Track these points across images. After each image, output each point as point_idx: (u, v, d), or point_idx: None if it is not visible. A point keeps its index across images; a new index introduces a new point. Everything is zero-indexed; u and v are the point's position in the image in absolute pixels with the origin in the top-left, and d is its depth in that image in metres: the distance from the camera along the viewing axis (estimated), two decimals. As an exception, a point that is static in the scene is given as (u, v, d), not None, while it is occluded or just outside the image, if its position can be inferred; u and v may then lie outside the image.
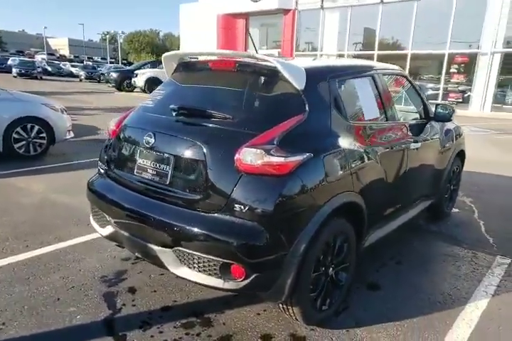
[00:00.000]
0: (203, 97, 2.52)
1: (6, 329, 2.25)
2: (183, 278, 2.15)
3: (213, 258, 1.99)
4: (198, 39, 26.31)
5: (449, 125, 3.85)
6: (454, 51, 16.96)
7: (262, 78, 2.36)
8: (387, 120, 2.87)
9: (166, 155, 2.23)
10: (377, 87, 2.82)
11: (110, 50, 73.98)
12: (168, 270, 2.19)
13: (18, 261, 3.03)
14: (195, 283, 2.11)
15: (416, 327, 2.41)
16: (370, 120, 2.69)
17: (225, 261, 1.97)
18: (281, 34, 23.08)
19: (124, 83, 22.36)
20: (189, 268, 2.09)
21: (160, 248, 2.16)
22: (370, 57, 19.80)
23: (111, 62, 46.28)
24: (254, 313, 2.48)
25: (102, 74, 27.29)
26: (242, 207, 1.95)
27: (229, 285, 2.00)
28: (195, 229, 2.02)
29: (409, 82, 3.45)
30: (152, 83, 20.76)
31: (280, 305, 2.27)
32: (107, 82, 24.39)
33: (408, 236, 3.68)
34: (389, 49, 19.53)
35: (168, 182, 2.22)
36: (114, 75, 23.05)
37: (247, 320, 2.41)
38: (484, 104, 15.91)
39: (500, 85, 16.75)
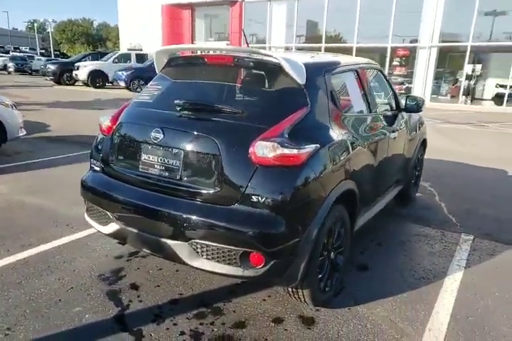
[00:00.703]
0: (206, 92, 2.56)
1: (13, 334, 2.18)
2: (200, 270, 2.21)
3: (233, 248, 2.07)
4: (140, 30, 25.48)
5: (414, 115, 4.16)
6: (396, 45, 17.90)
7: (264, 73, 2.44)
8: (370, 111, 3.07)
9: (175, 150, 2.25)
10: (361, 81, 3.00)
11: (39, 40, 69.02)
12: (183, 263, 2.23)
13: (2, 265, 2.89)
14: (213, 273, 2.17)
15: (407, 300, 2.65)
16: (358, 112, 2.88)
17: (245, 250, 2.05)
18: (229, 26, 22.98)
19: (63, 76, 21.12)
20: (207, 259, 2.15)
21: (175, 241, 2.19)
22: (317, 50, 20.37)
23: (41, 54, 42.95)
24: (260, 299, 2.59)
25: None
26: (260, 197, 2.04)
27: (248, 272, 2.09)
28: (214, 222, 2.08)
29: (383, 75, 3.69)
30: (96, 76, 19.90)
31: (289, 289, 2.40)
32: (44, 75, 22.88)
33: (383, 221, 3.95)
34: (335, 42, 20.16)
35: (178, 177, 2.24)
36: (53, 67, 21.64)
37: (255, 306, 2.52)
38: (424, 95, 16.99)
39: (436, 78, 18.00)
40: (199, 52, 2.70)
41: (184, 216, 2.15)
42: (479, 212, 4.37)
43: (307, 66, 2.40)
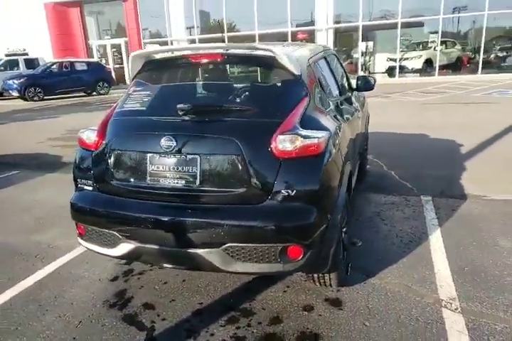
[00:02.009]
0: (203, 93, 2.44)
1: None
2: (238, 273, 2.16)
3: (272, 245, 2.05)
4: (22, 33, 22.95)
5: (360, 94, 4.42)
6: (295, 29, 18.58)
7: (259, 67, 2.41)
8: (341, 94, 3.20)
9: (190, 156, 2.14)
10: (330, 66, 3.11)
11: None
12: (215, 270, 2.16)
13: (-18, 315, 2.52)
14: (252, 273, 2.14)
15: (409, 264, 2.86)
16: (336, 95, 2.98)
17: (284, 245, 2.04)
18: (125, 22, 21.78)
19: None
20: (243, 261, 2.10)
21: (206, 250, 2.10)
22: (220, 40, 20.31)
23: None
24: (281, 292, 2.61)
25: None
26: (290, 191, 2.04)
27: (288, 266, 2.10)
28: (249, 222, 2.04)
29: (337, 58, 3.84)
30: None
31: (315, 276, 2.45)
32: None
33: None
34: (237, 31, 20.28)
35: (198, 183, 2.14)
36: None
37: (279, 299, 2.53)
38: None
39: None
40: (182, 53, 2.55)
41: (214, 221, 2.07)
42: (424, 174, 4.84)
43: (296, 57, 2.41)
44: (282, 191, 2.05)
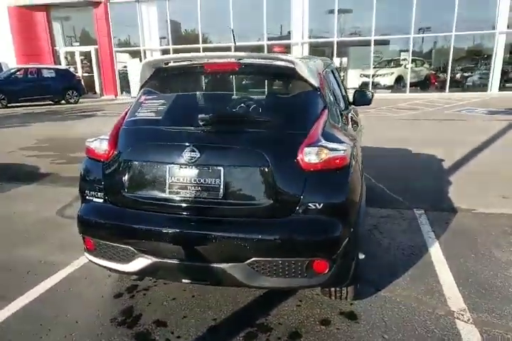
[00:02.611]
0: (224, 103, 2.41)
1: None
2: (262, 288, 2.11)
3: (298, 259, 2.02)
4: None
5: (354, 108, 4.52)
6: (271, 42, 18.88)
7: (278, 78, 2.41)
8: (346, 107, 3.26)
9: (214, 167, 2.10)
10: (336, 79, 3.17)
11: None
12: (238, 285, 2.11)
13: (-24, 337, 2.33)
14: (277, 288, 2.11)
15: (415, 276, 2.91)
16: (344, 108, 3.04)
17: (311, 259, 2.03)
18: (95, 29, 21.37)
19: None
20: (269, 276, 2.06)
21: (229, 264, 2.05)
22: (196, 51, 20.33)
23: None
24: (295, 306, 2.58)
25: None
26: (317, 204, 2.03)
27: (314, 281, 2.09)
28: (276, 236, 2.01)
29: (337, 71, 3.93)
30: None
31: (331, 290, 2.44)
32: None
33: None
34: (212, 42, 20.39)
35: (221, 196, 2.10)
36: None
37: (294, 314, 2.50)
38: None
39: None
40: (196, 61, 2.52)
41: (239, 235, 2.03)
42: (412, 187, 4.98)
43: (313, 69, 2.44)
44: (309, 204, 2.04)
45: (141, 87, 2.60)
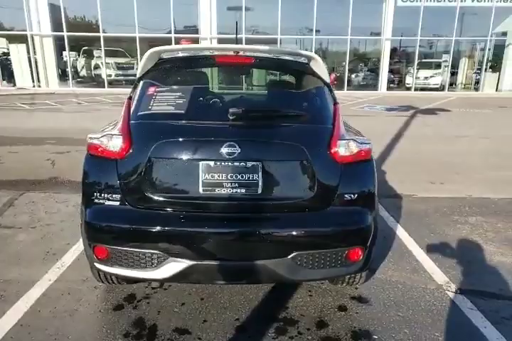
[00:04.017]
0: (248, 97, 2.30)
1: None
2: (304, 281, 2.12)
3: (338, 250, 2.08)
4: None
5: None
6: (179, 35, 18.36)
7: (291, 72, 2.40)
8: None
9: (251, 163, 2.03)
10: None
11: None
12: (281, 280, 2.11)
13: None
14: (318, 279, 2.14)
15: (396, 257, 3.19)
16: None
17: (349, 248, 2.09)
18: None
19: None
20: (311, 268, 2.08)
21: (273, 260, 2.02)
22: (95, 39, 18.83)
23: None
24: (307, 296, 2.63)
25: None
26: (352, 195, 2.11)
27: (351, 269, 2.17)
28: (318, 229, 2.03)
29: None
30: None
31: (347, 276, 2.54)
32: None
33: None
34: (116, 32, 19.03)
35: (260, 191, 2.03)
36: None
37: (310, 304, 2.56)
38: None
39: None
40: (207, 53, 2.36)
41: (281, 230, 2.01)
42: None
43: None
44: (345, 195, 2.12)
45: (141, 78, 2.36)
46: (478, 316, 2.46)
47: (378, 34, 18.91)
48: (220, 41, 18.73)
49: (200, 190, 2.04)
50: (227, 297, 2.60)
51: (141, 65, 2.34)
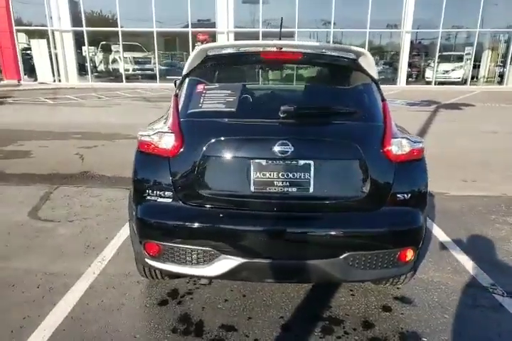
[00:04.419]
0: (298, 94, 2.28)
1: None
2: (355, 281, 2.11)
3: (391, 250, 2.06)
4: None
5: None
6: (196, 29, 18.34)
7: (339, 69, 2.36)
8: None
9: (303, 161, 2.01)
10: None
11: None
12: (332, 280, 2.11)
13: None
14: (369, 280, 2.12)
15: (436, 258, 3.15)
16: None
17: (401, 249, 2.07)
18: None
19: None
20: (363, 269, 2.06)
21: (325, 260, 2.01)
22: (114, 34, 18.91)
23: None
24: (349, 296, 2.62)
25: None
26: (405, 195, 2.08)
27: (403, 269, 2.16)
28: (371, 230, 2.01)
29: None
30: None
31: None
32: None
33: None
34: (134, 27, 19.08)
35: (312, 190, 2.02)
36: None
37: (353, 303, 2.54)
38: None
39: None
40: (254, 49, 2.35)
41: (335, 230, 2.00)
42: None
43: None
44: (398, 195, 2.09)
45: (187, 75, 2.36)
46: (527, 319, 2.42)
47: (397, 26, 18.57)
48: (237, 35, 18.65)
49: (252, 188, 2.03)
50: (269, 294, 2.60)
51: (188, 62, 2.33)
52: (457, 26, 19.95)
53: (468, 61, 19.53)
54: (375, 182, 2.08)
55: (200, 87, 2.27)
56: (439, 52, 19.29)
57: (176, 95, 2.39)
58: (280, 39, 2.56)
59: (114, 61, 20.46)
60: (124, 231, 3.50)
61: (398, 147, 2.09)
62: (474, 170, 5.60)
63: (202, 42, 18.74)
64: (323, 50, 2.39)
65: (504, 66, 19.82)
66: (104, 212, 3.97)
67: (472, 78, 19.94)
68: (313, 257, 2.03)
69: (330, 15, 17.66)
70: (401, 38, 18.52)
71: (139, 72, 20.14)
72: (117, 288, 2.66)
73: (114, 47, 20.19)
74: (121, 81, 19.05)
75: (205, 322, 2.33)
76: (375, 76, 2.39)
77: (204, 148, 2.04)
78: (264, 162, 2.03)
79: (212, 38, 18.47)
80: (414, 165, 2.16)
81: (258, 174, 2.03)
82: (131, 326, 2.29)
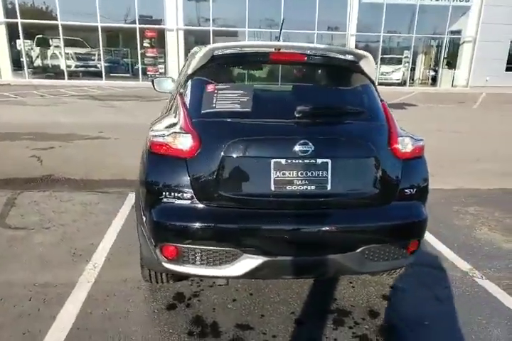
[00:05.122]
0: (308, 95, 2.32)
1: None
2: (369, 273, 2.21)
3: (401, 242, 2.19)
4: None
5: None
6: (144, 26, 17.78)
7: (340, 71, 2.45)
8: None
9: (321, 160, 2.08)
10: None
11: None
12: (349, 273, 2.20)
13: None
14: (382, 271, 2.24)
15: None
16: None
17: (410, 240, 2.21)
18: None
19: None
20: (376, 261, 2.17)
21: (343, 254, 2.10)
22: (52, 27, 17.83)
23: None
24: (351, 287, 2.74)
25: None
26: (411, 189, 2.22)
27: (409, 260, 2.29)
28: (385, 223, 2.12)
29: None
30: None
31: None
32: None
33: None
34: (76, 21, 18.08)
35: (329, 188, 2.09)
36: None
37: (356, 294, 2.66)
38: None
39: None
40: (260, 49, 2.37)
41: (352, 225, 2.09)
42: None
43: None
44: (405, 190, 2.22)
45: (193, 74, 2.32)
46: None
47: (338, 29, 19.39)
48: (188, 33, 18.40)
49: (272, 187, 2.07)
50: (275, 291, 2.65)
51: (194, 61, 2.29)
52: (394, 31, 21.21)
53: (407, 64, 20.85)
54: (386, 178, 2.19)
55: (210, 87, 2.24)
56: (381, 54, 20.39)
57: (181, 94, 2.35)
58: (279, 40, 2.61)
59: (54, 57, 19.26)
60: (110, 236, 3.37)
61: (404, 145, 2.23)
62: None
63: (150, 40, 18.25)
64: (329, 52, 2.48)
65: (437, 69, 21.41)
66: (81, 217, 3.78)
67: (410, 80, 21.31)
68: (333, 252, 2.11)
69: (279, 15, 17.97)
70: (346, 40, 19.32)
71: (82, 68, 19.13)
72: (118, 295, 2.57)
73: (53, 42, 19.01)
74: (63, 78, 17.99)
75: (219, 323, 2.33)
76: (373, 77, 2.52)
77: (223, 149, 2.03)
78: (283, 161, 2.07)
79: (161, 35, 18.03)
80: (417, 161, 2.32)
81: (278, 173, 2.06)
82: (145, 333, 2.23)
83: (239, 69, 2.53)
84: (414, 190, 2.26)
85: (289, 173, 2.08)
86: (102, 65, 18.61)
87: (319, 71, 2.59)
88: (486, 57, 19.46)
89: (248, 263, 2.05)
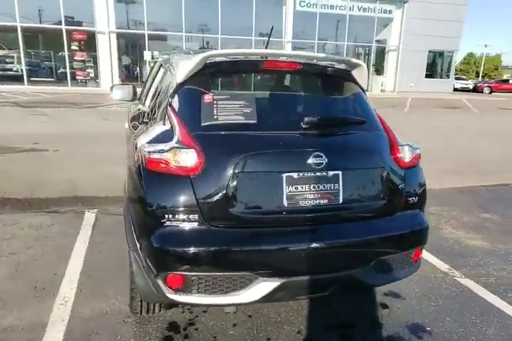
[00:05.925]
0: (309, 105, 2.20)
1: None
2: (381, 285, 2.15)
3: (408, 251, 2.16)
4: None
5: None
6: (71, 27, 16.65)
7: (334, 80, 2.39)
8: None
9: (332, 172, 1.98)
10: None
11: None
12: (360, 287, 2.09)
13: None
14: (391, 282, 2.20)
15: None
16: None
17: (415, 249, 2.20)
18: None
19: None
20: (386, 272, 2.12)
21: (358, 269, 2.02)
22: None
23: None
24: (348, 299, 2.68)
25: None
26: (414, 198, 2.20)
27: (414, 268, 2.27)
28: (396, 233, 2.08)
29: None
30: None
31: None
32: None
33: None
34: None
35: (341, 200, 2.00)
36: None
37: (354, 306, 2.62)
38: (113, 80, 17.02)
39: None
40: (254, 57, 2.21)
41: (367, 238, 2.02)
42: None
43: None
44: (409, 199, 2.20)
45: (183, 84, 2.11)
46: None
47: (280, 36, 19.79)
48: (121, 36, 17.60)
49: (285, 202, 1.93)
50: (274, 310, 2.52)
51: (185, 69, 2.08)
52: (327, 39, 22.14)
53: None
54: (392, 187, 2.17)
55: (208, 97, 2.04)
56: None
57: (171, 105, 2.13)
58: (267, 48, 2.49)
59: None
60: (75, 263, 3.00)
61: (404, 154, 2.23)
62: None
63: (79, 42, 17.16)
64: (323, 61, 2.40)
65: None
66: (35, 243, 3.33)
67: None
68: (348, 267, 2.02)
69: (217, 21, 17.88)
70: (283, 47, 19.75)
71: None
72: (102, 332, 2.26)
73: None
74: (-24, 82, 16.28)
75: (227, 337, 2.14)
76: (365, 86, 2.50)
77: (232, 164, 1.86)
78: (295, 175, 1.94)
79: (91, 37, 17.01)
80: (415, 170, 2.32)
81: (291, 188, 1.93)
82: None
83: (232, 77, 2.37)
84: (416, 198, 2.25)
85: (302, 187, 1.96)
86: (23, 69, 17.10)
87: (317, 80, 2.51)
88: (409, 65, 21.05)
89: (264, 286, 1.88)
